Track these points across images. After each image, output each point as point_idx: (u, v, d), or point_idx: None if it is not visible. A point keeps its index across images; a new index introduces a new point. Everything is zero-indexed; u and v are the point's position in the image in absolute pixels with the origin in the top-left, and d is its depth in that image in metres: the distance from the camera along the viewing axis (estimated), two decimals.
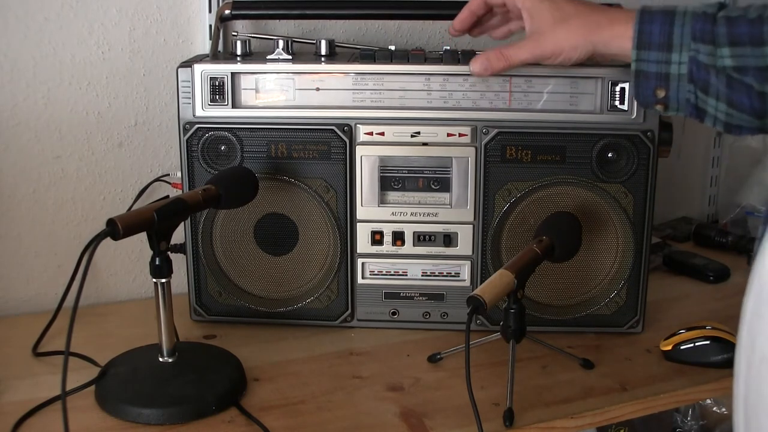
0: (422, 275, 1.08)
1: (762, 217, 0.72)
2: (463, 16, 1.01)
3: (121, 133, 1.19)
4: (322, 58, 1.05)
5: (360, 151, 1.03)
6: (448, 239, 1.06)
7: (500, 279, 0.85)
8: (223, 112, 1.03)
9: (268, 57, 1.04)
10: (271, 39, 1.09)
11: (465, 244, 1.06)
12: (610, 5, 0.93)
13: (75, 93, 1.15)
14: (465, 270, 1.07)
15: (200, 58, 1.06)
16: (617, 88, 0.99)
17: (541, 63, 0.94)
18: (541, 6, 0.91)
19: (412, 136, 1.03)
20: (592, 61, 0.93)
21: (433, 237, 1.06)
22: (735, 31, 0.75)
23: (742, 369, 0.66)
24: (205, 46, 1.18)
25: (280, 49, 1.04)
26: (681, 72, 0.81)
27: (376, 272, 1.08)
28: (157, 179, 1.20)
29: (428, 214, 1.05)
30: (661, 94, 0.83)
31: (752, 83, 0.76)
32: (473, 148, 1.03)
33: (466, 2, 1.00)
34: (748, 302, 0.65)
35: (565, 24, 0.90)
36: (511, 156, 1.02)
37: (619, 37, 0.86)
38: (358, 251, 1.07)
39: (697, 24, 0.79)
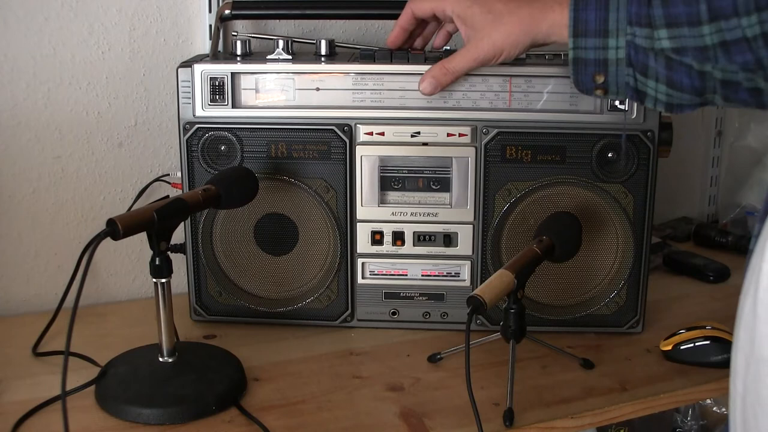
0: (422, 275, 1.08)
1: (758, 216, 0.72)
2: (395, 34, 1.01)
3: (121, 133, 1.19)
4: (322, 58, 1.05)
5: (360, 151, 1.03)
6: (448, 239, 1.06)
7: (500, 279, 0.85)
8: (223, 112, 1.03)
9: (268, 57, 1.04)
10: (271, 39, 1.09)
11: (465, 244, 1.06)
12: None
13: (75, 93, 1.15)
14: (465, 270, 1.07)
15: (200, 58, 1.06)
16: None
17: (486, 65, 0.94)
18: (472, 10, 0.90)
19: (412, 136, 1.03)
20: (533, 47, 0.92)
21: (433, 237, 1.06)
22: (671, 12, 0.74)
23: (740, 369, 0.66)
24: (205, 46, 1.18)
25: (280, 49, 1.04)
26: (619, 57, 0.81)
27: (376, 272, 1.08)
28: (157, 179, 1.20)
29: (428, 214, 1.05)
30: (600, 79, 0.83)
31: (692, 63, 0.76)
32: (473, 148, 1.03)
33: None
34: (746, 302, 0.65)
35: (499, 24, 0.89)
36: (511, 156, 1.02)
37: (556, 26, 0.85)
38: (358, 251, 1.07)
39: (632, 7, 0.78)
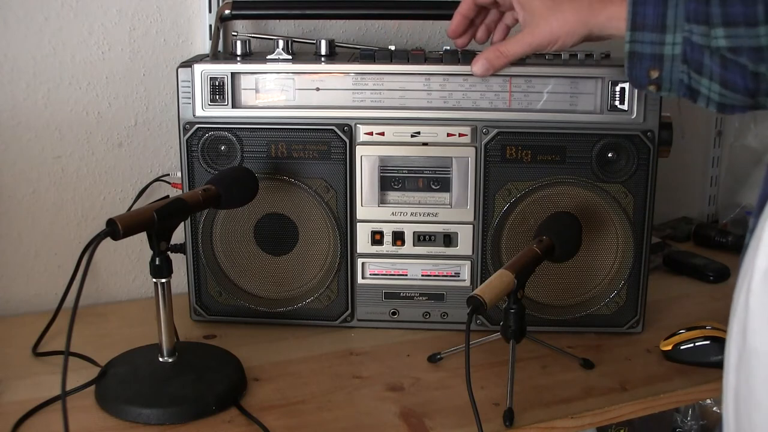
0: (422, 275, 1.08)
1: (753, 212, 0.72)
2: (456, 22, 1.02)
3: (121, 133, 1.19)
4: (322, 58, 1.05)
5: (360, 151, 1.03)
6: (448, 239, 1.06)
7: (500, 279, 0.85)
8: (223, 112, 1.03)
9: (268, 57, 1.04)
10: (271, 39, 1.09)
11: (465, 244, 1.06)
12: None
13: (75, 93, 1.15)
14: (465, 270, 1.07)
15: (200, 58, 1.06)
16: (617, 88, 1.00)
17: (540, 52, 0.94)
18: None
19: (412, 136, 1.03)
20: (587, 41, 0.92)
21: (433, 237, 1.06)
22: (729, 11, 0.75)
23: (732, 361, 0.66)
24: (205, 46, 1.18)
25: (280, 49, 1.04)
26: (675, 53, 0.81)
27: (376, 272, 1.08)
28: (157, 179, 1.20)
29: (428, 214, 1.05)
30: (654, 74, 0.83)
31: (747, 63, 0.76)
32: (473, 148, 1.03)
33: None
34: (740, 295, 0.65)
35: (558, 11, 0.89)
36: (511, 156, 1.02)
37: (614, 19, 0.86)
38: (358, 251, 1.07)
39: (690, 4, 0.79)
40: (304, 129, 1.03)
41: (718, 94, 0.80)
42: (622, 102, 1.00)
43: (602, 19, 0.87)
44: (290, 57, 1.04)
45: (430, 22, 1.29)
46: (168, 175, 1.20)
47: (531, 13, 0.92)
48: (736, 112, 0.83)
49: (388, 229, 1.06)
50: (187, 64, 1.03)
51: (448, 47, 1.05)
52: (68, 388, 0.83)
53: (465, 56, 1.02)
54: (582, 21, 0.88)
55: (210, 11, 1.17)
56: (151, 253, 0.89)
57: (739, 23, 0.74)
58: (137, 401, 0.88)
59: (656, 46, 0.81)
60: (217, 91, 1.02)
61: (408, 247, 1.06)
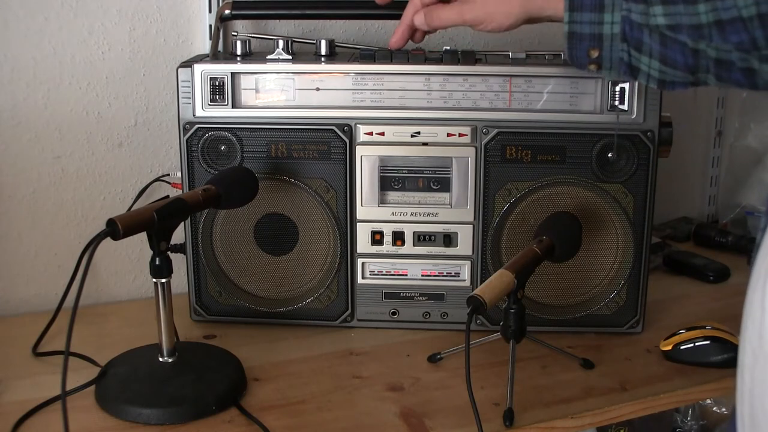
0: (422, 275, 1.08)
1: (763, 212, 0.72)
2: (402, 33, 0.98)
3: (121, 133, 1.19)
4: (322, 58, 1.05)
5: (360, 151, 1.03)
6: (448, 239, 1.06)
7: (500, 279, 0.85)
8: (223, 112, 1.03)
9: (268, 57, 1.04)
10: (271, 39, 1.09)
11: (465, 244, 1.06)
12: None
13: (75, 93, 1.15)
14: (465, 270, 1.07)
15: (200, 58, 1.06)
16: (617, 88, 1.00)
17: (472, 28, 0.91)
18: None
19: (412, 136, 1.03)
20: (528, 23, 0.90)
21: (433, 237, 1.06)
22: None
23: (748, 362, 0.66)
24: (205, 46, 1.18)
25: (280, 49, 1.04)
26: (614, 32, 0.81)
27: (376, 272, 1.08)
28: (157, 179, 1.20)
29: (428, 214, 1.05)
30: (594, 54, 0.83)
31: (686, 40, 0.76)
32: (473, 148, 1.03)
33: None
34: (754, 296, 0.65)
35: None
36: (511, 156, 1.02)
37: (552, 0, 0.85)
38: (358, 251, 1.07)
39: None
40: (304, 129, 1.03)
41: (658, 71, 0.81)
42: (622, 102, 1.00)
43: (540, 1, 0.86)
44: (290, 57, 1.04)
45: None
46: (168, 175, 1.20)
47: None
48: (676, 89, 0.83)
49: (388, 229, 1.06)
50: (187, 64, 1.03)
51: (448, 47, 1.05)
52: (68, 388, 0.83)
53: (465, 56, 1.02)
54: (519, 2, 0.87)
55: (210, 11, 1.17)
56: (151, 253, 0.89)
57: (677, 1, 0.74)
58: (137, 401, 0.88)
59: (595, 25, 0.81)
60: (217, 91, 1.02)
61: (408, 247, 1.06)
